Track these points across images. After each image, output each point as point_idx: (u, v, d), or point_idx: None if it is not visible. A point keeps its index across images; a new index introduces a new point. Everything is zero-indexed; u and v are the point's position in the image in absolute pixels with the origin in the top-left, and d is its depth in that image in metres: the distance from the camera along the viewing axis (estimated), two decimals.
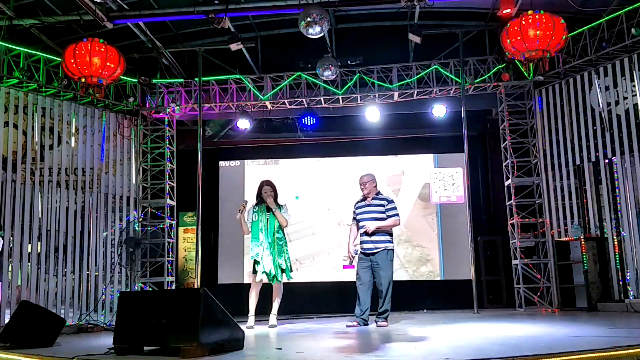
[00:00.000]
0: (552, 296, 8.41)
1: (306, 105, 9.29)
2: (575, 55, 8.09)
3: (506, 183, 8.94)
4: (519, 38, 6.35)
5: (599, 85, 8.08)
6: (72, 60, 6.67)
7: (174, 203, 9.42)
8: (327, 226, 10.32)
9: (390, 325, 5.91)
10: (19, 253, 7.56)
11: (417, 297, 9.65)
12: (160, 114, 9.40)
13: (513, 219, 8.78)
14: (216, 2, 7.24)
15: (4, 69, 7.57)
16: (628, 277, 7.49)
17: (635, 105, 7.57)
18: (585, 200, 8.25)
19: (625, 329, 4.78)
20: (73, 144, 8.43)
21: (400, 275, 10.01)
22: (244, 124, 9.36)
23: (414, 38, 7.89)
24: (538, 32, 6.25)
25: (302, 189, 10.34)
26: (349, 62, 9.25)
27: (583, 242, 7.76)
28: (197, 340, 3.46)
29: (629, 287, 7.44)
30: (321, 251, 10.27)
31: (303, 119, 9.41)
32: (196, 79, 8.97)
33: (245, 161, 10.75)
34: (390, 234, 6.10)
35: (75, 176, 8.40)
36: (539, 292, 8.51)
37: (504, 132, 9.04)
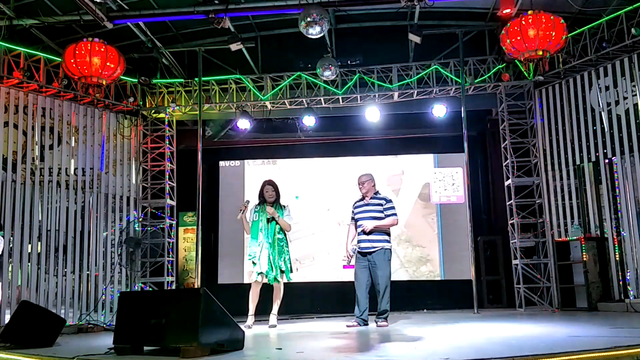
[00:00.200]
0: (552, 296, 8.41)
1: (306, 105, 9.30)
2: (575, 55, 8.09)
3: (506, 183, 8.95)
4: (519, 38, 6.35)
5: (599, 85, 8.08)
6: (72, 60, 6.67)
7: (174, 203, 9.42)
8: (327, 226, 10.32)
9: (390, 325, 5.91)
10: (19, 253, 7.56)
11: (417, 297, 9.65)
12: (160, 114, 9.41)
13: (513, 219, 8.78)
14: (216, 2, 7.24)
15: (4, 69, 7.57)
16: (628, 277, 7.49)
17: (635, 105, 7.57)
18: (585, 200, 8.25)
19: (625, 329, 4.78)
20: (73, 144, 8.44)
21: (400, 275, 10.01)
22: (244, 124, 9.36)
23: (414, 38, 7.89)
24: (538, 32, 6.25)
25: (302, 189, 10.34)
26: (349, 62, 9.25)
27: (583, 242, 7.76)
28: (197, 340, 3.46)
29: (629, 287, 7.44)
30: (321, 251, 10.27)
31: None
32: (196, 79, 8.97)
33: (245, 161, 10.75)
34: (388, 234, 6.09)
35: (75, 176, 8.40)
36: (539, 292, 8.51)
37: (504, 132, 9.04)
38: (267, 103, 9.30)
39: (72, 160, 8.40)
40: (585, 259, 7.67)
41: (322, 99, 9.20)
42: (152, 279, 9.01)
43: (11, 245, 7.50)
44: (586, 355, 3.03)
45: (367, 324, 5.92)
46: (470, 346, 3.90)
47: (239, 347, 3.81)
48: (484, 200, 10.43)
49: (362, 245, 6.03)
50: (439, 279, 10.16)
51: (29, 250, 7.75)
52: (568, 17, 7.53)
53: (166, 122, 9.47)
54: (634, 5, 7.29)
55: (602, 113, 8.03)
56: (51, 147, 8.22)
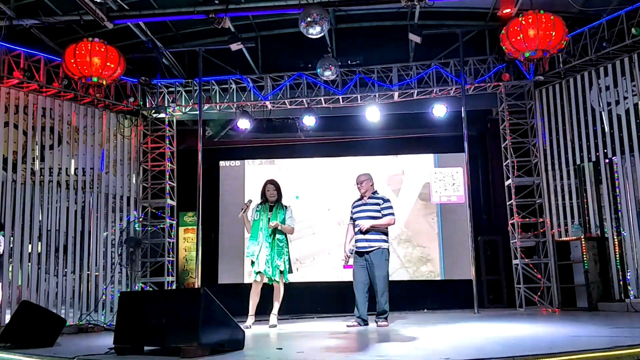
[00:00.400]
0: (552, 296, 8.41)
1: (306, 105, 9.30)
2: (575, 55, 8.09)
3: (506, 183, 8.94)
4: (519, 38, 6.35)
5: (599, 85, 8.08)
6: (72, 60, 6.68)
7: (174, 203, 9.42)
8: (327, 226, 10.32)
9: (390, 325, 5.91)
10: (19, 253, 7.56)
11: (417, 297, 9.64)
12: (161, 114, 9.42)
13: (513, 219, 8.78)
14: (216, 2, 7.25)
15: (4, 69, 7.57)
16: (628, 277, 7.49)
17: (636, 105, 7.57)
18: (585, 200, 8.25)
19: (625, 328, 4.77)
20: (73, 144, 8.44)
21: (400, 275, 10.02)
22: (244, 124, 9.36)
23: (414, 38, 7.89)
24: (538, 32, 6.25)
25: (302, 189, 10.34)
26: (349, 62, 9.25)
27: (583, 242, 7.76)
28: (198, 340, 3.46)
29: (629, 287, 7.44)
30: (321, 251, 10.27)
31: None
32: (196, 79, 8.98)
33: (246, 161, 10.76)
34: (386, 233, 6.08)
35: (75, 176, 8.40)
36: (540, 292, 8.51)
37: (504, 132, 9.04)
38: (267, 103, 9.31)
39: (73, 161, 8.40)
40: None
41: (322, 99, 9.20)
42: (153, 279, 9.01)
43: (11, 245, 7.50)
44: (586, 355, 3.03)
45: (367, 324, 5.92)
46: (470, 346, 3.90)
47: (239, 347, 3.81)
48: (484, 200, 10.43)
49: (360, 244, 6.03)
50: (439, 278, 10.16)
51: (29, 250, 7.75)
52: (568, 17, 7.54)
53: (166, 122, 9.48)
54: (634, 5, 7.29)
55: (603, 113, 8.03)
56: (51, 147, 8.22)
